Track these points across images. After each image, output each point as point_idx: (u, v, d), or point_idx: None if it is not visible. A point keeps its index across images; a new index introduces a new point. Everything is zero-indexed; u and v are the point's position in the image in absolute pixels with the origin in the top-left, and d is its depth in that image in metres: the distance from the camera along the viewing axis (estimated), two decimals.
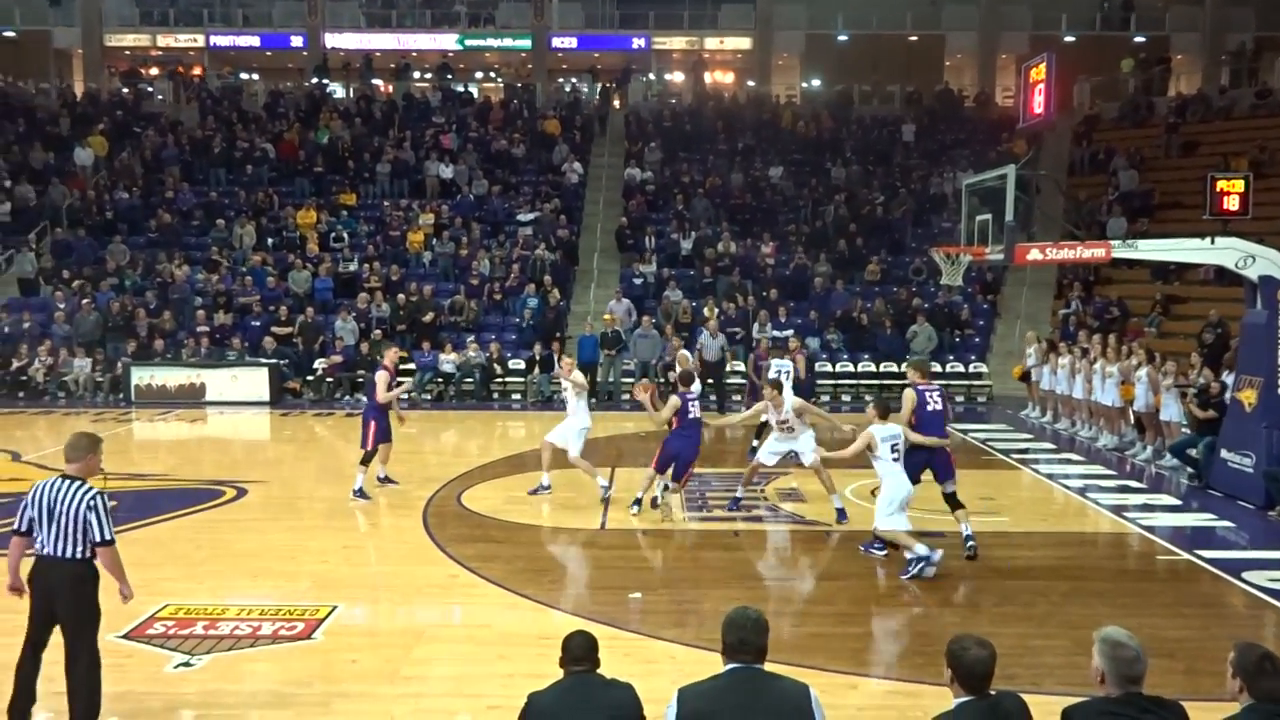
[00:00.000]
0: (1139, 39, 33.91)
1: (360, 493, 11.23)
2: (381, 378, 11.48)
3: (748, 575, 8.72)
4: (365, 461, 11.42)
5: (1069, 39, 33.14)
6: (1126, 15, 33.71)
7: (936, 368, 20.04)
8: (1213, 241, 11.88)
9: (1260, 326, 11.35)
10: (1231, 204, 12.23)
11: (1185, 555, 9.31)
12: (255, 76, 36.93)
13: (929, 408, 9.22)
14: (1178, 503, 11.69)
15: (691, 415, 10.38)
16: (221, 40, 35.87)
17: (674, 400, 10.51)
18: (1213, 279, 19.51)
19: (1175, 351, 15.82)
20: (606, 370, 19.78)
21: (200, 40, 35.63)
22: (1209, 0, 33.30)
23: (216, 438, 17.02)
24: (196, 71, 34.01)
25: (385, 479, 11.80)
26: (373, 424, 11.41)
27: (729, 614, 3.94)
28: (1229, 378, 12.61)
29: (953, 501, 9.24)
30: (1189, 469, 12.56)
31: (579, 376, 11.74)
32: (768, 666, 3.89)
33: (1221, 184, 12.34)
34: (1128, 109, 28.89)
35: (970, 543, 9.06)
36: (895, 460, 8.71)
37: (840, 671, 6.45)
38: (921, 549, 8.49)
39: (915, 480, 8.95)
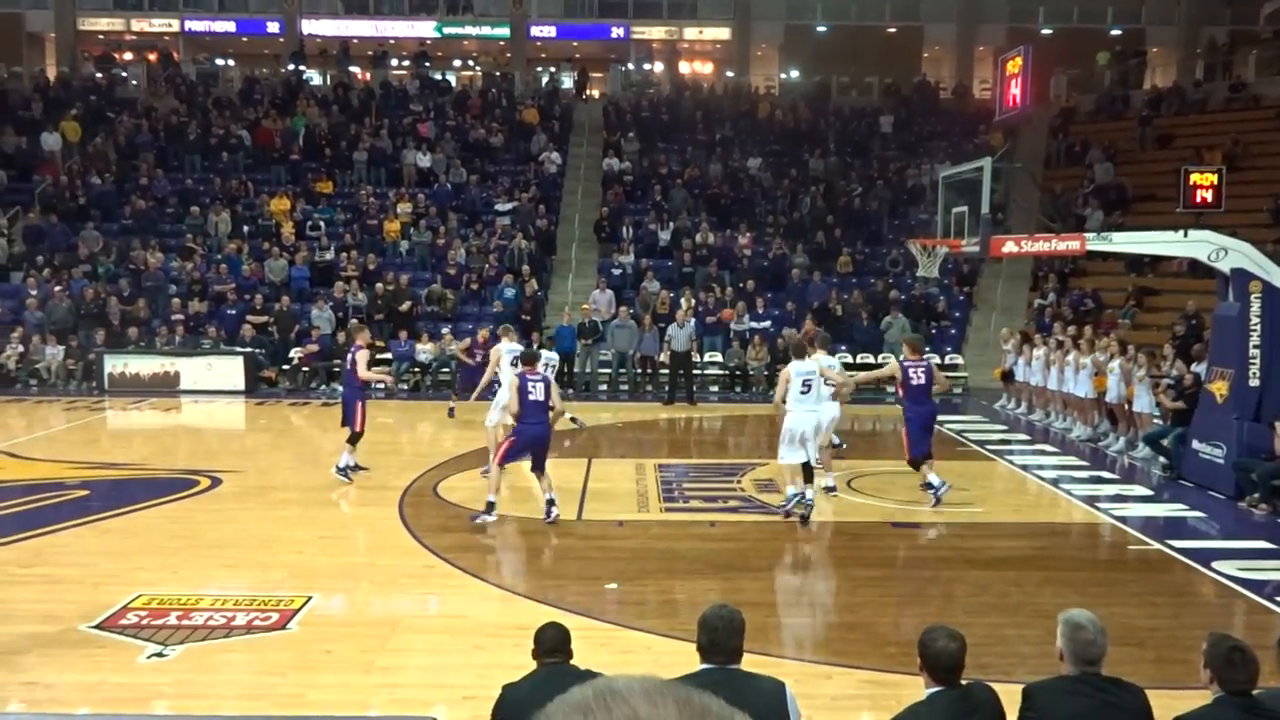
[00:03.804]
0: (1115, 32, 34.15)
1: (344, 470, 11.25)
2: (362, 356, 11.48)
3: (723, 566, 8.75)
4: (353, 441, 11.42)
5: (1046, 31, 33.31)
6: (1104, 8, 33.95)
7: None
8: (1186, 234, 11.98)
9: (1232, 319, 11.46)
10: (1205, 197, 12.35)
11: (1156, 545, 9.42)
12: (231, 62, 36.53)
13: (913, 381, 10.58)
14: (1150, 493, 11.82)
15: (532, 398, 9.55)
16: (197, 25, 35.43)
17: (512, 380, 9.79)
18: (1186, 271, 19.69)
19: (1149, 343, 15.99)
20: (584, 360, 19.77)
21: (175, 25, 35.16)
22: None
23: (191, 426, 16.88)
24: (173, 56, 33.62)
25: (355, 466, 11.78)
26: (359, 405, 11.40)
27: (705, 612, 3.86)
28: (1199, 368, 12.76)
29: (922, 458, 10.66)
30: (1162, 459, 12.69)
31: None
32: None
33: (1195, 177, 12.45)
34: (1104, 102, 29.07)
35: (933, 491, 10.41)
36: (803, 394, 9.84)
37: (815, 662, 6.49)
38: (792, 490, 9.85)
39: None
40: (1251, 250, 11.63)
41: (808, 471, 9.92)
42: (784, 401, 9.96)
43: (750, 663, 3.97)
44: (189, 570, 8.32)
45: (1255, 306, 11.19)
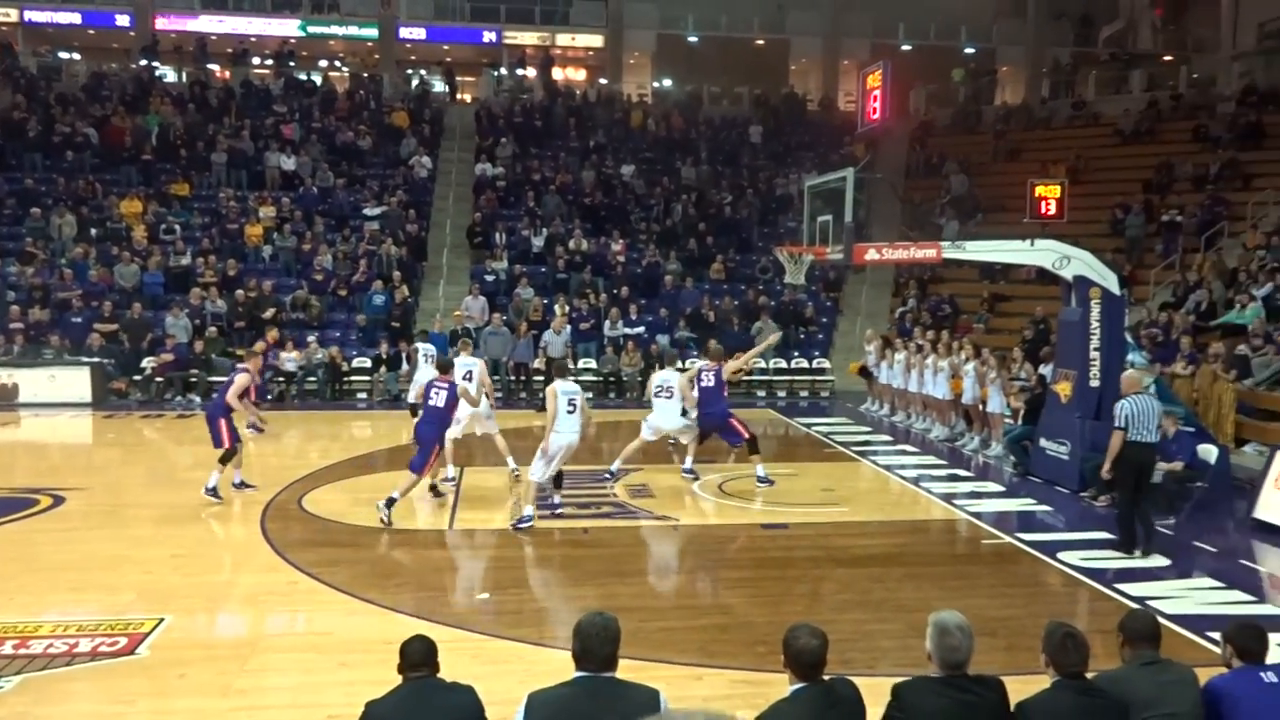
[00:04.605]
0: (969, 50, 35.80)
1: (213, 491, 10.72)
2: (240, 380, 11.04)
3: (597, 572, 8.73)
4: (225, 460, 10.93)
5: (906, 47, 34.65)
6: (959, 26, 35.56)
7: (782, 363, 21.08)
8: (1033, 244, 12.62)
9: (1075, 324, 12.13)
10: (1050, 208, 13.09)
11: (1008, 539, 9.87)
12: (76, 56, 34.62)
13: (702, 383, 11.89)
14: (1003, 489, 12.38)
15: (430, 402, 10.31)
16: (38, 16, 33.44)
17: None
18: (1035, 278, 20.74)
19: (1001, 346, 16.78)
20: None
21: (14, 15, 33.10)
22: (1031, 16, 35.45)
23: (31, 442, 15.86)
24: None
25: (242, 484, 11.31)
26: (223, 421, 10.95)
27: (580, 620, 3.86)
28: (1046, 370, 13.46)
29: (751, 447, 11.82)
30: (1012, 458, 13.31)
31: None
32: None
33: (1040, 189, 13.20)
34: (959, 116, 30.45)
35: (761, 481, 11.67)
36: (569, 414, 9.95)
37: (686, 664, 6.53)
38: (529, 510, 9.98)
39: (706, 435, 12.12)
40: (1092, 259, 12.34)
41: (559, 480, 10.37)
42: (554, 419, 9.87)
43: (623, 668, 3.96)
44: (26, 595, 7.79)
45: (1095, 312, 11.89)
